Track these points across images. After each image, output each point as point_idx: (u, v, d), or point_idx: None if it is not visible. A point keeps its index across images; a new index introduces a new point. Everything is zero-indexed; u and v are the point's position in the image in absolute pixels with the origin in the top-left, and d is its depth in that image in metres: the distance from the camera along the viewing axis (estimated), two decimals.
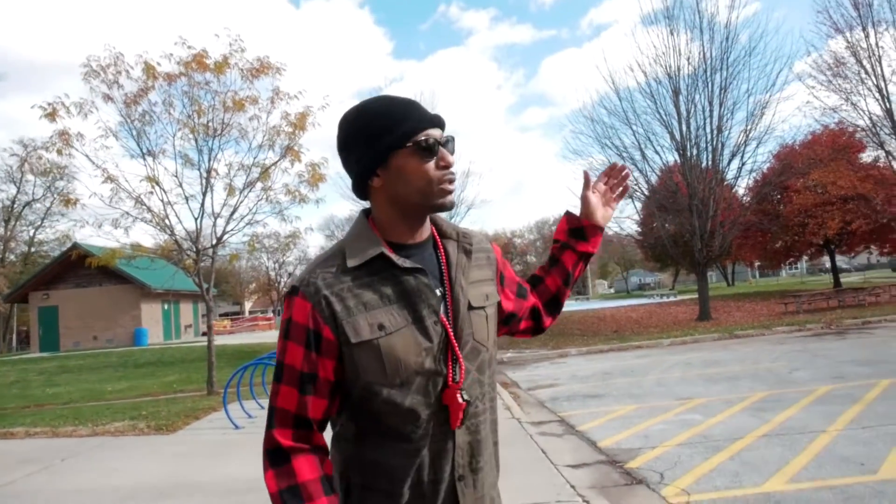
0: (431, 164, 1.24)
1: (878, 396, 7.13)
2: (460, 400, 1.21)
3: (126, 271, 26.56)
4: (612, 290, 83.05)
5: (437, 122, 1.26)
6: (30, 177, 48.48)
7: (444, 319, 1.24)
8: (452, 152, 1.28)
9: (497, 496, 1.37)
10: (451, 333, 1.23)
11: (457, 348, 1.23)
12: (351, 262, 1.22)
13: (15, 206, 49.18)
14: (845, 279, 39.78)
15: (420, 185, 1.24)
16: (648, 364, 12.20)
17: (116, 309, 31.22)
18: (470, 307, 1.29)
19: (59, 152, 10.44)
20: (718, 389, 8.61)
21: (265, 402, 9.61)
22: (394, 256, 1.22)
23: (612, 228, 25.12)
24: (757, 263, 36.33)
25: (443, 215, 1.37)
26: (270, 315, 52.86)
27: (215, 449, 6.81)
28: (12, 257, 51.18)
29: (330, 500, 1.18)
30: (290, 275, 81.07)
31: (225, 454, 6.52)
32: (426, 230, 1.32)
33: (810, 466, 4.82)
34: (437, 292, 1.26)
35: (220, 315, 60.55)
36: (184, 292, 34.19)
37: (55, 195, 48.97)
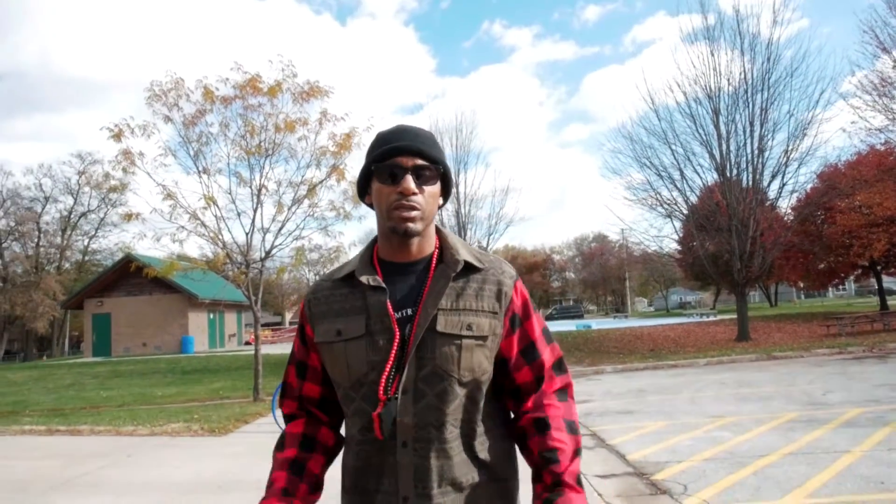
0: (389, 189, 1.31)
1: None
2: (385, 412, 1.25)
3: (175, 281, 27.59)
4: (651, 308, 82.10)
5: (412, 151, 1.31)
6: (86, 188, 51.14)
7: (398, 337, 1.28)
8: (428, 184, 1.33)
9: None
10: (395, 350, 1.27)
11: (389, 366, 1.27)
12: (336, 276, 1.40)
13: (72, 216, 51.57)
14: (893, 302, 38.75)
15: (381, 207, 1.33)
16: (683, 383, 12.32)
17: (165, 317, 32.48)
18: (435, 332, 1.29)
19: (125, 170, 11.19)
20: (750, 409, 8.75)
21: None
22: (363, 277, 1.33)
23: (651, 247, 25.20)
24: (801, 284, 35.60)
25: (461, 240, 1.45)
26: None
27: (265, 450, 7.25)
28: (67, 265, 53.55)
29: (298, 453, 1.37)
30: None
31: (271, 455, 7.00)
32: (422, 250, 1.38)
33: (830, 484, 5.03)
34: (408, 311, 1.32)
35: (262, 325, 61.92)
36: (228, 302, 35.28)
37: (109, 206, 51.39)
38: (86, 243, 54.55)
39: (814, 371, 12.75)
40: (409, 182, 1.29)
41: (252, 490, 5.44)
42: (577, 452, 1.35)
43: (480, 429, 1.35)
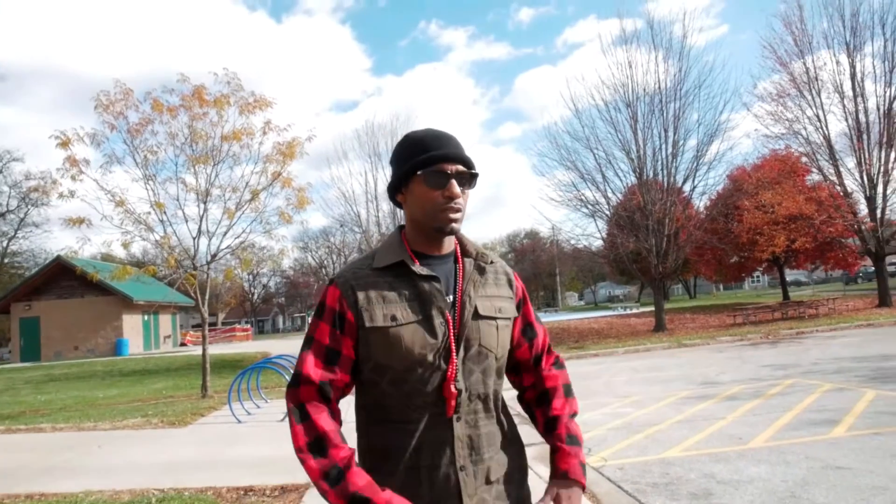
0: (437, 193, 1.43)
1: (778, 393, 8.66)
2: (453, 389, 1.39)
3: (110, 283, 27.36)
4: (582, 302, 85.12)
5: (456, 159, 1.44)
6: (4, 188, 49.19)
7: (450, 322, 1.43)
8: (468, 187, 1.48)
9: (514, 492, 1.50)
10: (453, 334, 1.42)
11: (453, 348, 1.41)
12: (377, 265, 1.46)
13: None
14: (801, 293, 42.00)
15: (425, 208, 1.45)
16: (601, 370, 13.66)
17: (98, 320, 32.03)
18: (478, 315, 1.46)
19: (73, 178, 11.57)
20: (653, 389, 10.08)
21: (261, 403, 10.86)
22: (413, 265, 1.44)
23: (581, 243, 26.84)
24: (714, 278, 38.26)
25: (468, 237, 1.58)
26: (248, 326, 53.40)
27: (226, 437, 8.06)
28: None
29: (351, 448, 1.39)
30: (264, 286, 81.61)
31: (235, 441, 7.78)
32: (448, 245, 1.53)
33: (701, 441, 6.28)
34: (449, 299, 1.45)
35: (194, 326, 60.94)
36: (163, 304, 34.99)
37: (29, 207, 49.59)
38: (4, 245, 52.39)
39: (714, 356, 14.36)
40: (456, 187, 1.44)
41: (223, 468, 6.28)
42: (571, 415, 1.60)
43: (502, 397, 1.54)
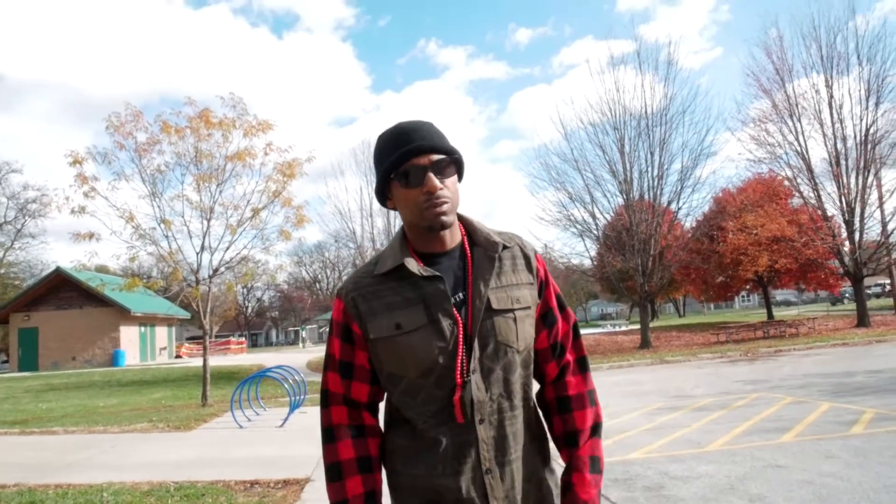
0: (416, 192, 1.34)
1: (743, 405, 9.34)
2: (470, 392, 1.33)
3: (108, 295, 27.92)
4: None
5: (428, 150, 1.34)
6: (2, 199, 49.73)
7: (461, 321, 1.35)
8: (448, 175, 1.37)
9: (539, 489, 1.44)
10: (461, 334, 1.34)
11: (461, 350, 1.34)
12: (378, 270, 1.40)
13: None
14: (787, 312, 42.88)
15: (410, 209, 1.37)
16: None
17: (96, 331, 32.57)
18: (491, 310, 1.37)
19: (86, 195, 12.23)
20: (629, 402, 10.73)
21: (259, 411, 11.46)
22: (413, 267, 1.36)
23: (573, 260, 27.62)
24: (702, 297, 39.11)
25: (480, 222, 1.49)
26: (243, 339, 53.75)
27: (229, 440, 8.67)
28: None
29: (363, 477, 1.38)
30: (258, 300, 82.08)
31: (238, 443, 8.39)
32: (454, 238, 1.44)
33: (663, 446, 6.95)
34: (460, 296, 1.38)
35: (188, 339, 61.31)
36: (160, 316, 35.59)
37: (26, 218, 50.12)
38: (1, 256, 52.77)
39: (693, 372, 15.05)
40: (433, 181, 1.33)
41: (229, 465, 6.91)
42: (595, 428, 1.49)
43: (529, 392, 1.46)
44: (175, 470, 6.69)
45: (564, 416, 1.50)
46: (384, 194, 1.44)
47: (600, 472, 1.47)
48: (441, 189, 1.35)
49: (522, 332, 1.41)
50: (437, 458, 1.35)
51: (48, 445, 8.70)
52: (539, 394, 1.56)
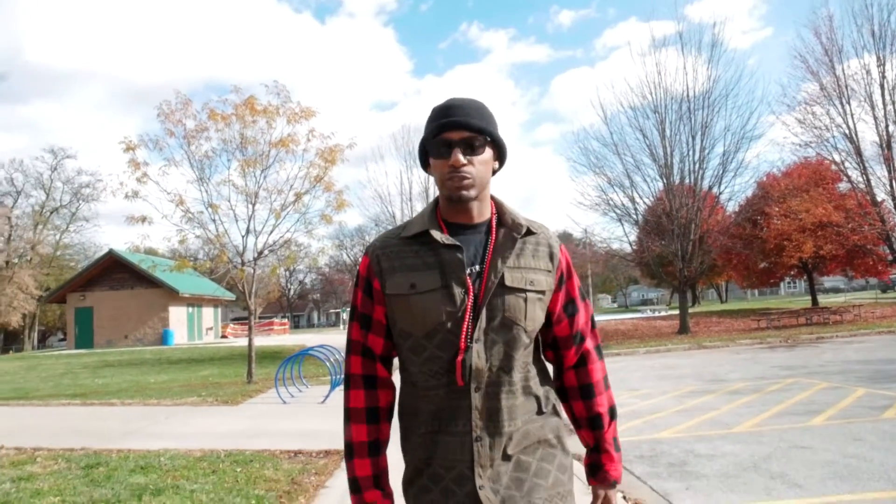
0: (443, 163, 1.45)
1: (776, 390, 9.38)
2: (469, 359, 1.40)
3: (157, 276, 29.02)
4: (615, 305, 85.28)
5: (459, 126, 1.43)
6: (58, 184, 51.85)
7: (472, 291, 1.42)
8: (477, 153, 1.45)
9: (543, 471, 1.47)
10: (470, 303, 1.41)
11: (468, 317, 1.41)
12: (405, 234, 1.51)
13: (44, 211, 52.10)
14: (834, 299, 41.89)
15: (438, 178, 1.48)
16: (619, 367, 14.42)
17: (146, 311, 33.91)
18: (503, 285, 1.44)
19: (139, 181, 12.83)
20: (663, 385, 10.85)
21: (302, 388, 11.95)
22: (437, 234, 1.45)
23: (613, 245, 27.55)
24: (745, 283, 38.45)
25: (513, 207, 1.56)
26: (286, 321, 55.00)
27: (274, 414, 9.14)
28: (37, 260, 53.95)
29: (368, 427, 1.51)
30: (300, 282, 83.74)
31: (282, 417, 8.84)
32: (483, 214, 1.52)
33: (692, 427, 7.10)
34: (476, 268, 1.45)
35: (233, 319, 63.02)
36: (206, 297, 36.72)
37: (80, 202, 52.18)
38: (57, 238, 55.02)
39: (729, 357, 15.00)
40: (458, 155, 1.42)
41: (274, 437, 7.33)
42: (612, 411, 1.63)
43: (533, 371, 1.51)
44: (224, 440, 7.14)
45: (587, 401, 1.59)
46: (426, 161, 1.55)
47: (620, 450, 1.62)
48: (465, 165, 1.43)
49: (531, 313, 1.47)
50: (432, 417, 1.44)
51: (107, 416, 9.30)
52: (558, 378, 1.65)
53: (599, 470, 1.59)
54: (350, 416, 1.53)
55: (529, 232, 1.53)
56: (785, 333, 19.83)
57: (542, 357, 1.62)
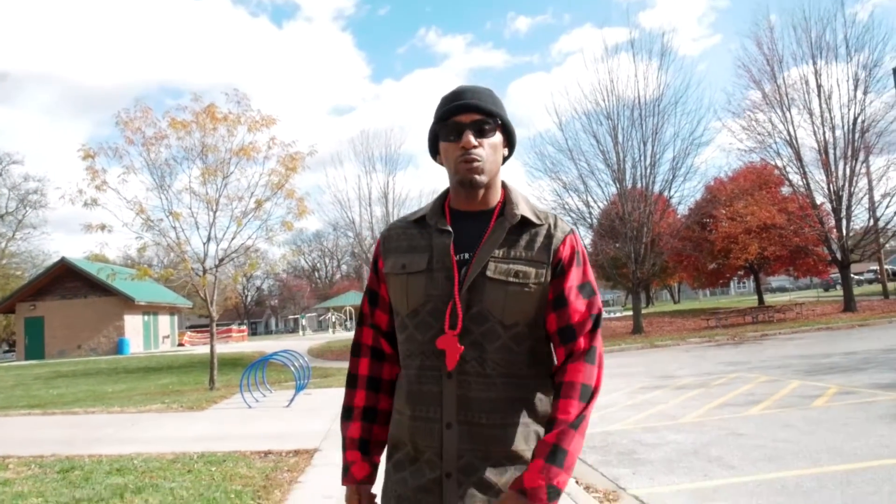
0: (454, 146, 1.46)
1: (720, 384, 9.99)
2: (440, 345, 1.41)
3: (112, 285, 28.53)
4: None
5: (470, 108, 1.45)
6: (3, 190, 50.26)
7: (457, 277, 1.44)
8: (487, 136, 1.46)
9: (511, 469, 1.41)
10: (456, 290, 1.42)
11: (458, 302, 1.42)
12: (410, 218, 1.60)
13: None
14: (779, 298, 43.59)
15: (448, 162, 1.49)
16: None
17: (101, 320, 33.23)
18: (485, 276, 1.43)
19: (98, 188, 12.79)
20: (616, 382, 11.36)
21: (267, 393, 12.10)
22: (431, 219, 1.52)
23: None
24: (694, 284, 39.82)
25: (524, 196, 1.58)
26: (244, 328, 54.36)
27: (240, 418, 9.30)
28: None
29: (367, 393, 1.58)
30: (257, 289, 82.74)
31: (249, 420, 9.02)
32: (490, 201, 1.53)
33: (641, 419, 7.59)
34: (466, 255, 1.46)
35: (189, 327, 62.00)
36: (162, 305, 36.25)
37: (27, 209, 50.71)
38: (3, 246, 53.29)
39: (680, 355, 15.71)
40: (469, 137, 1.42)
41: (243, 439, 7.53)
42: (576, 420, 1.36)
43: (529, 371, 1.45)
44: (194, 443, 7.31)
45: (555, 401, 1.43)
46: (435, 148, 1.55)
47: (562, 466, 1.34)
48: (476, 147, 1.44)
49: (511, 306, 1.42)
50: (408, 397, 1.47)
51: (71, 424, 9.32)
52: (552, 376, 1.52)
53: (520, 483, 1.36)
54: (353, 381, 1.61)
55: (528, 222, 1.50)
56: (732, 332, 20.77)
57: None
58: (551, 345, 1.52)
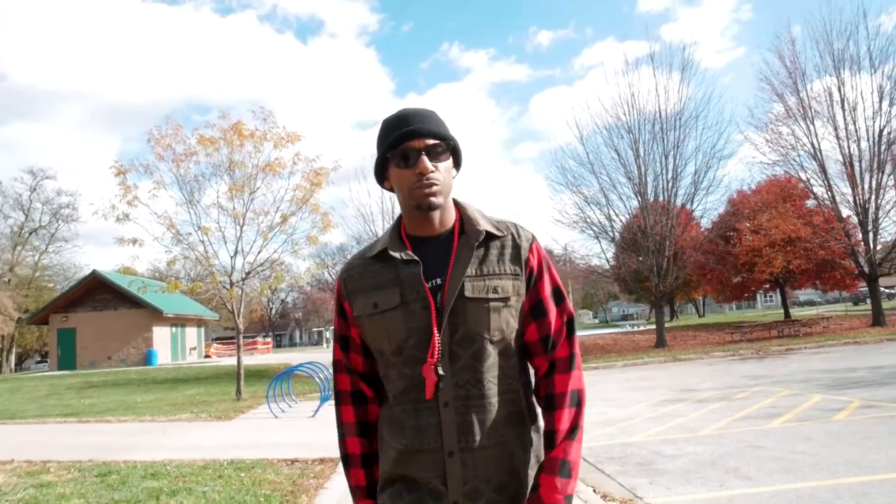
0: (409, 172, 1.43)
1: (742, 397, 9.99)
2: (432, 374, 1.37)
3: (141, 297, 29.17)
4: (596, 320, 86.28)
5: (423, 133, 1.43)
6: (37, 204, 51.68)
7: (433, 305, 1.40)
8: (441, 160, 1.46)
9: (520, 484, 1.44)
10: (434, 317, 1.39)
11: (435, 332, 1.38)
12: (369, 254, 1.53)
13: (23, 232, 51.79)
14: (806, 312, 43.00)
15: (402, 189, 1.46)
16: (598, 380, 14.99)
17: (130, 331, 33.97)
18: (464, 297, 1.41)
19: (130, 204, 13.23)
20: (637, 395, 11.42)
21: (292, 404, 12.35)
22: (394, 251, 1.47)
23: (593, 261, 28.25)
24: (719, 297, 39.48)
25: (478, 209, 1.56)
26: (269, 340, 54.99)
27: (266, 428, 9.55)
28: (16, 281, 53.41)
29: (360, 440, 1.56)
30: (282, 301, 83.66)
31: (275, 430, 9.26)
32: (446, 223, 1.51)
33: (662, 431, 7.66)
34: (437, 281, 1.43)
35: (216, 339, 62.78)
36: (190, 317, 36.92)
37: (60, 222, 52.04)
38: (36, 259, 54.66)
39: (703, 369, 15.64)
40: (425, 162, 1.42)
41: (271, 447, 7.78)
42: (572, 430, 1.44)
43: (518, 383, 1.48)
44: (223, 451, 7.56)
45: (548, 413, 1.47)
46: (382, 175, 1.53)
47: (569, 475, 1.42)
48: (432, 172, 1.42)
49: (496, 323, 1.42)
50: (404, 434, 1.42)
51: (105, 431, 9.65)
52: (536, 387, 1.55)
53: (535, 492, 1.43)
54: (344, 430, 1.58)
55: (491, 236, 1.49)
56: (757, 345, 20.58)
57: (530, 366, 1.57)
58: (524, 353, 1.53)
